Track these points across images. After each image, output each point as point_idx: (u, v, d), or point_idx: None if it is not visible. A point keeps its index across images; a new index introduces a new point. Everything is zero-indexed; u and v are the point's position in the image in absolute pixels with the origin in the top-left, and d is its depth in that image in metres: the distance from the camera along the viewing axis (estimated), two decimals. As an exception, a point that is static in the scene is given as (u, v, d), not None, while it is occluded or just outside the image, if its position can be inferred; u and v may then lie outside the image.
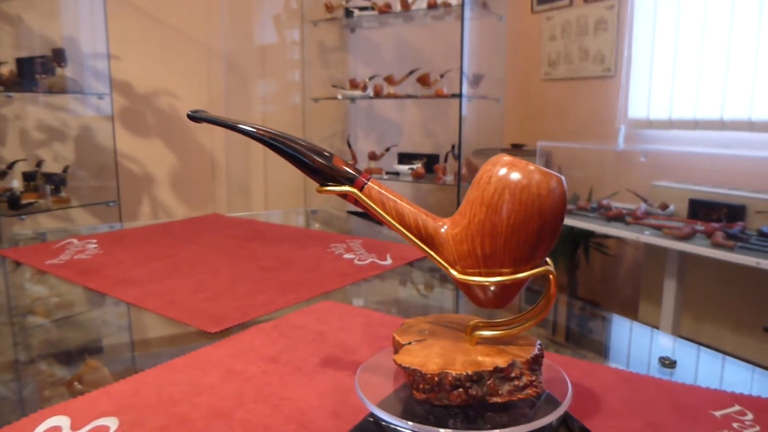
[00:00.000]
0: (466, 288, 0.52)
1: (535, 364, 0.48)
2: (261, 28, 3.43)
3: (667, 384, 0.67)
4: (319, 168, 0.55)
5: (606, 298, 3.37)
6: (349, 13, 3.29)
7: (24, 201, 2.42)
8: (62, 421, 0.60)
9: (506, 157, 0.48)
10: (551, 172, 0.49)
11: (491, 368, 0.47)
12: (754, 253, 2.04)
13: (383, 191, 0.56)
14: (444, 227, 0.52)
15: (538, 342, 0.51)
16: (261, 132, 0.55)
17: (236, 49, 3.31)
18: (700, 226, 2.33)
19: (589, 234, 3.11)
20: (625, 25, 3.12)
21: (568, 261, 3.25)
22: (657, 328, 2.55)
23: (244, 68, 3.37)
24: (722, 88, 2.66)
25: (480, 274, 0.50)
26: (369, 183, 0.56)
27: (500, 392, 0.47)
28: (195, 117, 0.58)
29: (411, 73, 3.18)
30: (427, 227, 0.53)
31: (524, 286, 0.52)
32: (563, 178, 0.50)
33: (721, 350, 2.57)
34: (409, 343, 0.54)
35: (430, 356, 0.50)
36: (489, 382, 0.47)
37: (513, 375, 0.47)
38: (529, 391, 0.47)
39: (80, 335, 0.89)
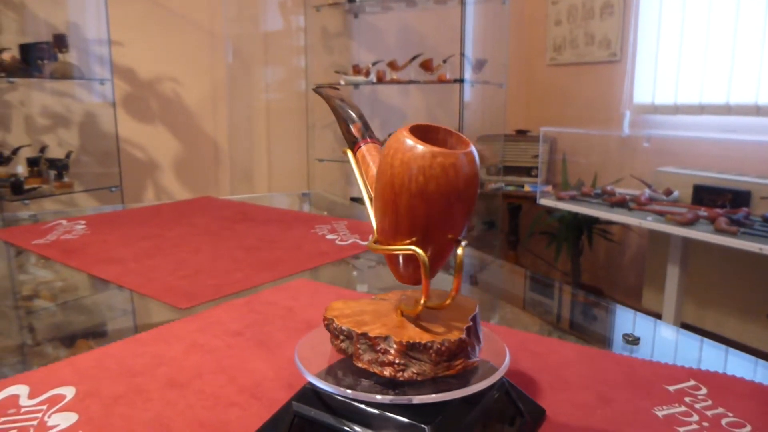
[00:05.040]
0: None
1: (411, 350, 0.46)
2: (264, 13, 3.42)
3: (627, 359, 0.67)
4: (344, 132, 0.60)
5: (610, 285, 3.35)
6: (352, -3, 3.27)
7: (27, 186, 2.45)
8: (21, 390, 0.61)
9: (406, 131, 0.47)
10: (437, 149, 0.44)
11: (359, 332, 0.48)
12: (758, 239, 2.00)
13: (369, 155, 0.57)
14: None
15: (460, 338, 0.47)
16: (331, 102, 0.62)
17: (239, 34, 3.31)
18: (703, 212, 2.30)
19: (593, 220, 3.09)
20: (631, 10, 3.07)
21: (572, 247, 3.23)
22: (660, 314, 2.53)
23: (247, 54, 3.37)
24: (728, 72, 2.61)
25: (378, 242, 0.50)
26: (363, 147, 0.57)
27: (362, 358, 0.47)
28: (319, 92, 0.66)
29: (414, 58, 3.15)
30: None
31: (431, 264, 0.48)
32: (458, 157, 0.44)
33: (724, 337, 2.53)
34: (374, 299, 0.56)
35: (349, 309, 0.52)
36: (356, 344, 0.48)
37: (378, 348, 0.47)
38: (386, 369, 0.46)
39: (59, 315, 0.90)
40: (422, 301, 0.47)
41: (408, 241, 0.47)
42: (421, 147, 0.45)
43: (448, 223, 0.47)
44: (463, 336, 0.47)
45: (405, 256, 0.49)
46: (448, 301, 0.49)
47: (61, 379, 0.63)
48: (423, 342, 0.46)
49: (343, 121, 0.60)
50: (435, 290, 0.57)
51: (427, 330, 0.48)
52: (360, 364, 0.47)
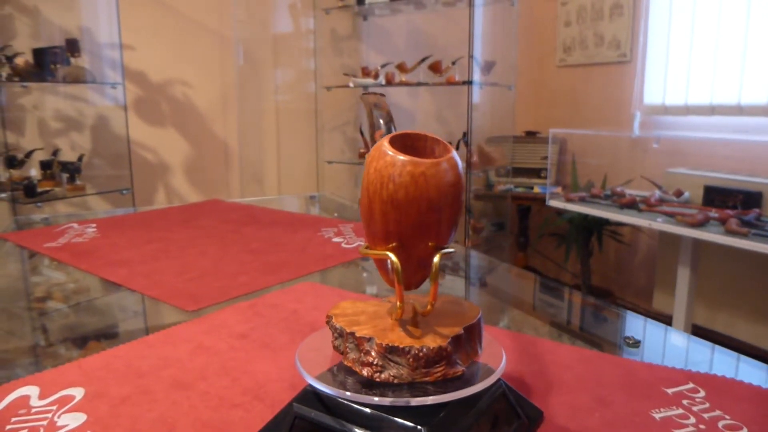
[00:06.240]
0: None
1: (390, 353, 0.47)
2: (273, 16, 3.44)
3: (626, 362, 0.67)
4: (370, 137, 0.62)
5: (620, 287, 3.34)
6: (360, 0, 3.28)
7: (40, 189, 2.48)
8: (31, 390, 0.62)
9: (386, 140, 0.48)
10: (407, 158, 0.45)
11: (348, 331, 0.49)
12: (768, 240, 1.99)
13: None
14: None
15: (440, 346, 0.47)
16: (367, 108, 0.63)
17: (249, 37, 3.33)
18: (714, 213, 2.29)
19: (602, 221, 3.08)
20: (640, 10, 3.06)
21: (582, 249, 3.22)
22: (671, 316, 2.52)
23: (257, 56, 3.39)
24: (739, 73, 2.59)
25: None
26: None
27: (348, 356, 0.49)
28: (362, 99, 0.68)
29: (423, 60, 3.16)
30: None
31: (413, 271, 0.50)
32: (429, 166, 0.45)
33: (736, 338, 2.51)
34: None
35: (351, 309, 0.54)
36: (345, 342, 0.49)
37: (362, 348, 0.48)
38: (365, 369, 0.47)
39: (70, 316, 0.91)
40: (398, 305, 0.48)
41: (389, 247, 0.48)
42: (392, 155, 0.46)
43: (423, 231, 0.48)
44: (444, 344, 0.47)
45: (391, 261, 0.50)
46: (429, 308, 0.49)
47: (71, 380, 0.64)
48: (402, 346, 0.47)
49: (371, 127, 0.62)
50: (442, 296, 0.58)
51: (411, 335, 0.49)
52: (346, 362, 0.49)
